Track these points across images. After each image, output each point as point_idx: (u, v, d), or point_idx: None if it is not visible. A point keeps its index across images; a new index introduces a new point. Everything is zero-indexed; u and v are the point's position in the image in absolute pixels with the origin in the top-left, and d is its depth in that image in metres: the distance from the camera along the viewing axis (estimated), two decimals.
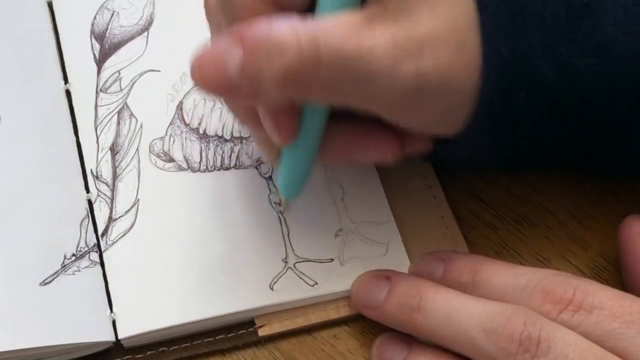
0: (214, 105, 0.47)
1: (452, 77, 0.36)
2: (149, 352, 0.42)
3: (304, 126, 0.39)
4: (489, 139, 0.39)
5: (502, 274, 0.40)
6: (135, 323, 0.41)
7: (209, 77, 0.37)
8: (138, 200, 0.45)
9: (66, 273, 0.42)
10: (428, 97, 0.37)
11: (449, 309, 0.38)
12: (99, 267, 0.43)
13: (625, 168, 0.43)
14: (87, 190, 0.45)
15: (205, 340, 0.42)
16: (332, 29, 0.36)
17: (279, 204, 0.45)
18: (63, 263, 0.42)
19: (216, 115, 0.47)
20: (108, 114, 0.47)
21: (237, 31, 0.36)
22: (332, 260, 0.44)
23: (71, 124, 0.46)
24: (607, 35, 0.37)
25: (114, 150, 0.46)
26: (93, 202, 0.44)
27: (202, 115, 0.47)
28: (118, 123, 0.46)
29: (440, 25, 0.36)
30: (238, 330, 0.42)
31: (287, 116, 0.39)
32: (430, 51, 0.36)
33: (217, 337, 0.42)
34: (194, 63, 0.38)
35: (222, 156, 0.46)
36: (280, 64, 0.35)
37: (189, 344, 0.42)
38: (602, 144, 0.40)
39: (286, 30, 0.36)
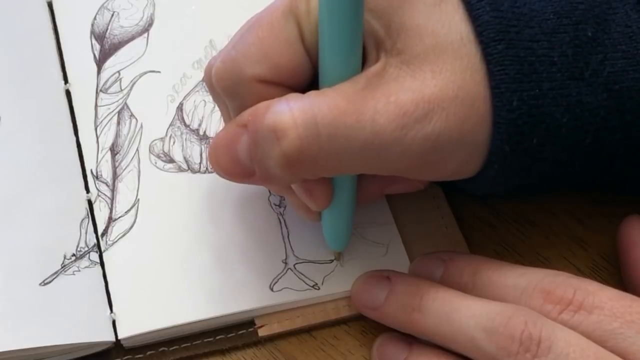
0: (214, 107, 0.47)
1: (464, 134, 0.36)
2: (149, 352, 0.42)
3: (338, 185, 0.39)
4: (502, 181, 0.39)
5: (502, 274, 0.40)
6: (135, 323, 0.41)
7: (224, 164, 0.38)
8: (138, 200, 0.44)
9: (66, 273, 0.42)
10: (442, 156, 0.36)
11: (449, 308, 0.38)
12: (99, 267, 0.43)
13: None
14: (87, 190, 0.45)
15: (205, 340, 0.42)
16: (330, 103, 0.35)
17: (278, 205, 0.44)
18: (63, 263, 0.42)
19: (216, 117, 0.47)
20: (108, 114, 0.47)
21: (243, 116, 0.37)
22: (332, 261, 0.43)
23: (71, 124, 0.46)
24: (616, 69, 0.36)
25: (114, 150, 0.46)
26: (93, 202, 0.44)
27: (203, 117, 0.47)
28: (118, 123, 0.46)
29: (447, 83, 0.35)
30: (238, 330, 0.42)
31: (319, 184, 0.38)
32: (439, 112, 0.35)
33: (217, 337, 0.42)
34: (210, 150, 0.38)
35: None
36: (279, 150, 0.35)
37: (189, 344, 0.42)
38: (616, 171, 0.40)
39: (283, 112, 0.35)
